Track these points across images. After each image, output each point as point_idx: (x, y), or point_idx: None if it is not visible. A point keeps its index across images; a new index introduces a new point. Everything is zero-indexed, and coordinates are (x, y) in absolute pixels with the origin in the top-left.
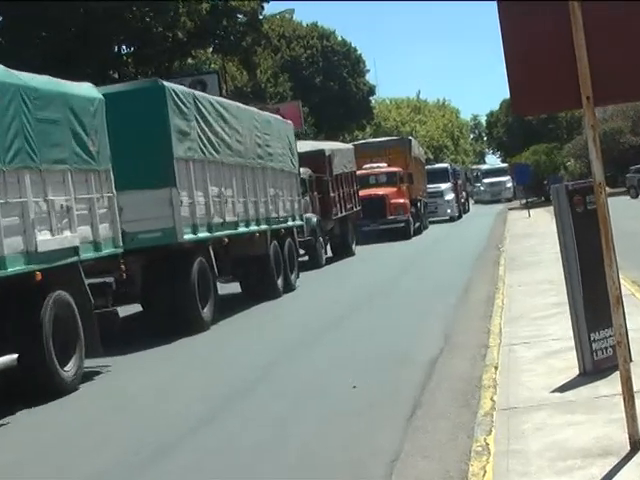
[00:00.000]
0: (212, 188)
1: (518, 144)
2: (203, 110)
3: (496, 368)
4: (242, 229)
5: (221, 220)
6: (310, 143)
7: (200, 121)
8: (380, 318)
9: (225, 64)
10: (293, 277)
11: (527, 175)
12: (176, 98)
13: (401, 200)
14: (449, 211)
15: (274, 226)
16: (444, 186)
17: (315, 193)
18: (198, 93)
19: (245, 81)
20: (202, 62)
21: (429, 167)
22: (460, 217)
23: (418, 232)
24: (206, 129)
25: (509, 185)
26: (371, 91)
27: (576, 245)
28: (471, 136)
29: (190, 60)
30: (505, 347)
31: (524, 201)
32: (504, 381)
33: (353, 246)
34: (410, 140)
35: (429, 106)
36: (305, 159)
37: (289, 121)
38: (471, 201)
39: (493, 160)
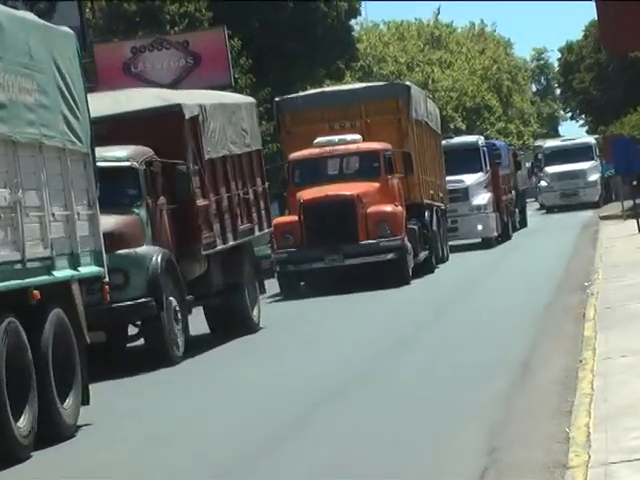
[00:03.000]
0: None
1: (617, 102)
2: None
3: None
4: None
5: None
6: (152, 92)
7: None
8: (356, 427)
9: None
10: (69, 409)
11: (634, 157)
12: None
13: (388, 208)
14: (480, 227)
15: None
16: (471, 179)
17: (160, 200)
18: None
19: None
20: None
21: (446, 144)
22: (506, 237)
23: (426, 269)
24: None
25: (594, 177)
26: (353, 11)
27: None
28: (533, 88)
29: None
30: (598, 468)
31: (630, 204)
32: None
33: (254, 312)
34: (409, 88)
35: (457, 36)
36: (138, 126)
37: (65, 28)
38: (533, 205)
39: (572, 130)
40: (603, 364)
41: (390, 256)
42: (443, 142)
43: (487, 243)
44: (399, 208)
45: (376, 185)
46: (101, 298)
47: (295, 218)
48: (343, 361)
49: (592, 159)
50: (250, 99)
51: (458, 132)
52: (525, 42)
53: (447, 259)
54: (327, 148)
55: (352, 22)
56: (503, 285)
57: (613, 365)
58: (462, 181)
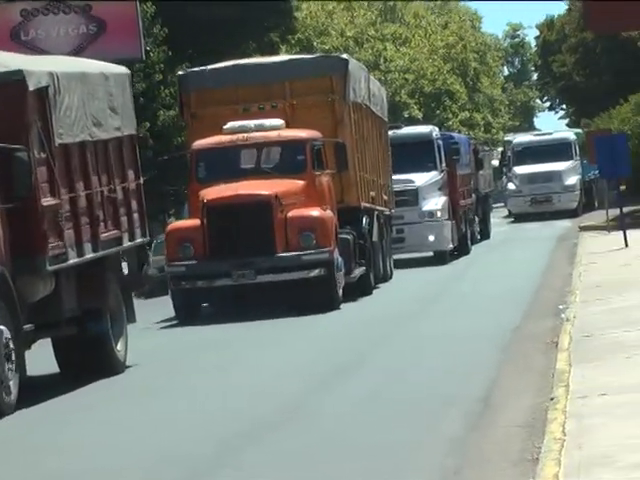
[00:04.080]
0: None
1: (605, 90)
2: None
3: None
4: None
5: None
6: None
7: None
8: None
9: None
10: None
11: (623, 157)
12: None
13: (314, 212)
14: (432, 238)
15: None
16: (422, 179)
17: None
18: None
19: None
20: None
21: (393, 135)
22: (463, 251)
23: (362, 289)
24: None
25: (572, 180)
26: None
27: None
28: (505, 71)
29: None
30: None
31: (616, 213)
32: None
33: (119, 346)
34: (346, 62)
35: (415, 7)
36: None
37: None
38: (501, 212)
39: (550, 123)
40: (577, 404)
41: (315, 273)
42: (389, 133)
43: (440, 257)
44: (328, 213)
45: (300, 183)
46: None
47: (197, 223)
48: (252, 400)
49: (570, 158)
50: (123, 69)
51: (413, 122)
52: (497, 16)
53: (391, 277)
54: (240, 136)
55: None
56: (459, 307)
57: (589, 405)
58: (411, 181)
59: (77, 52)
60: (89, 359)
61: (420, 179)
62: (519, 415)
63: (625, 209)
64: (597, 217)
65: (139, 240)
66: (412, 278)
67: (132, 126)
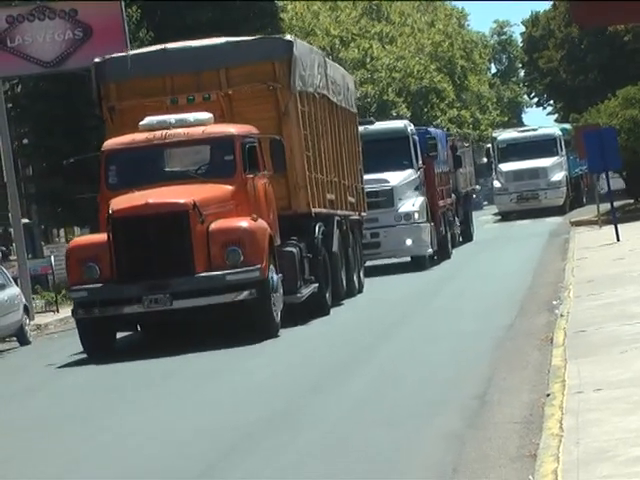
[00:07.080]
0: None
1: (592, 85)
2: None
3: None
4: None
5: None
6: None
7: None
8: None
9: None
10: None
11: (612, 151)
12: None
13: (241, 223)
14: (410, 242)
15: None
16: (397, 179)
17: None
18: None
19: None
20: None
21: (364, 131)
22: (444, 255)
23: (316, 310)
24: None
25: (557, 177)
26: None
27: None
28: (492, 68)
29: None
30: None
31: (607, 208)
32: None
33: None
34: (290, 44)
35: (400, 5)
36: None
37: None
38: (491, 210)
39: (539, 118)
40: (574, 399)
41: (244, 295)
42: (360, 129)
43: (419, 263)
44: (260, 223)
45: (228, 188)
46: None
47: (103, 238)
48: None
49: (556, 154)
50: None
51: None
52: (484, 13)
53: (360, 290)
54: (158, 133)
55: None
56: (450, 307)
57: (586, 400)
58: (385, 181)
59: (64, 57)
60: None
61: (395, 178)
62: (516, 412)
63: (615, 203)
64: (585, 213)
65: None
66: (386, 287)
67: None
